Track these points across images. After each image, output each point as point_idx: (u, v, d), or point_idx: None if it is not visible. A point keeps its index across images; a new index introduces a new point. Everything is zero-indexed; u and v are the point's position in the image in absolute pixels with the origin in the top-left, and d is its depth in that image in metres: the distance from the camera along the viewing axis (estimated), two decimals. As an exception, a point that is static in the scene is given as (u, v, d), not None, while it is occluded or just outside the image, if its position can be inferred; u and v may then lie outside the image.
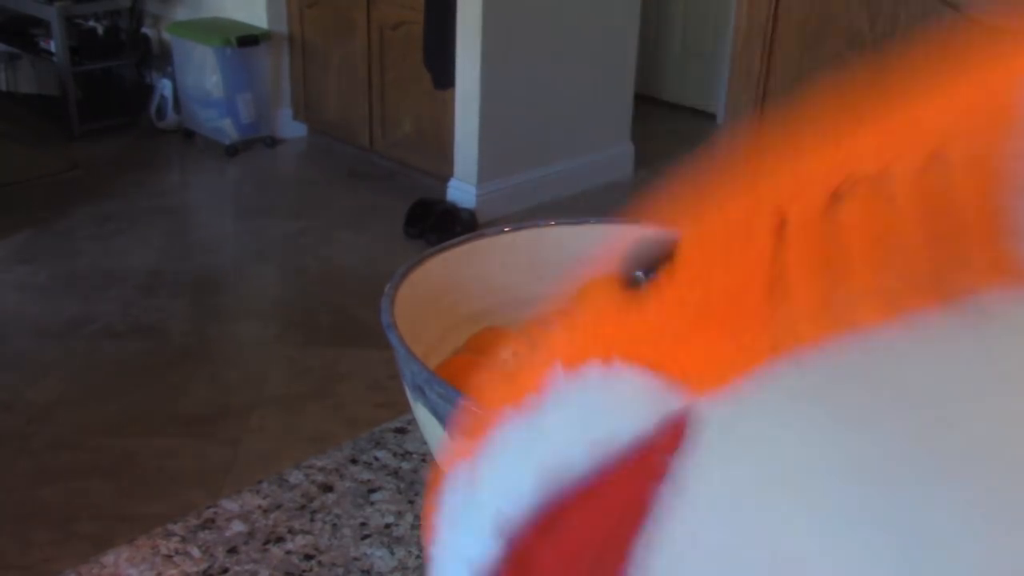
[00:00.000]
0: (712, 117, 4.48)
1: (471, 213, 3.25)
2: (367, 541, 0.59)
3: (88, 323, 2.58)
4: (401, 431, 0.70)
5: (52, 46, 3.86)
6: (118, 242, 3.06)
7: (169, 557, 0.57)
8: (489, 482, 0.25)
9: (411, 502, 0.63)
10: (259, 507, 0.61)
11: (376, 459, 0.66)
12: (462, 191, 3.34)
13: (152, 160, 3.79)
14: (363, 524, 0.60)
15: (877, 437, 0.19)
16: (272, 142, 3.94)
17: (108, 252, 2.99)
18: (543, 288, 0.70)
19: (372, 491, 0.63)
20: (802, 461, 0.20)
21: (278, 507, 0.61)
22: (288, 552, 0.58)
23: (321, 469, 0.65)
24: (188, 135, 3.95)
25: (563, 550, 0.23)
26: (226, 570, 0.56)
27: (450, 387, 0.48)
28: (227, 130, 3.79)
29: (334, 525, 0.60)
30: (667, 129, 4.30)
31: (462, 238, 0.65)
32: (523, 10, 3.15)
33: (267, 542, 0.58)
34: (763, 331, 0.21)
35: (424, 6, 3.19)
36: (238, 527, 0.59)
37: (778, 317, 0.21)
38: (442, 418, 0.50)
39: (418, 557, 0.58)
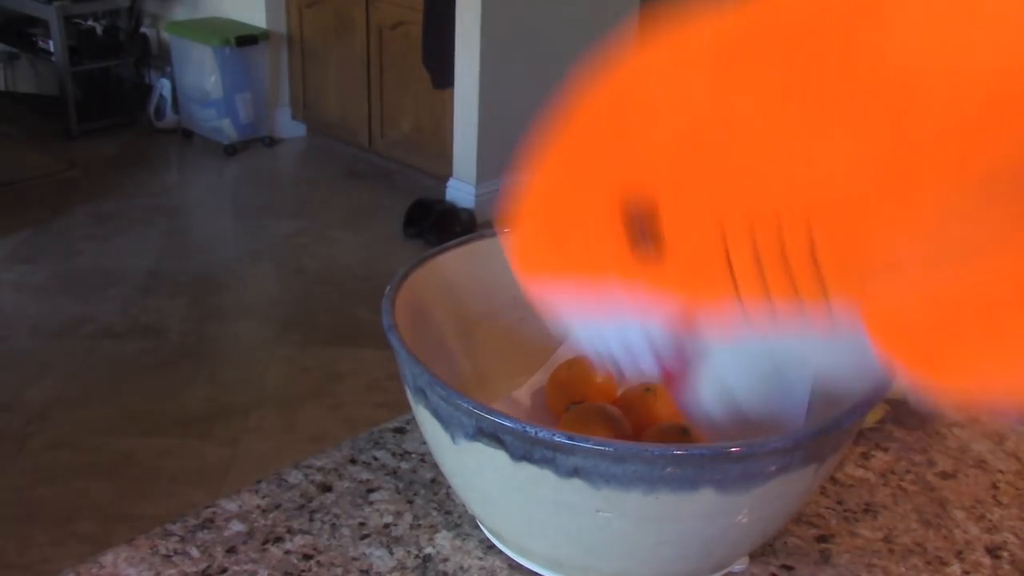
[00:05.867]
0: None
1: (470, 213, 3.24)
2: (366, 541, 0.59)
3: (87, 323, 2.57)
4: (400, 431, 0.70)
5: (51, 46, 3.85)
6: (117, 242, 3.06)
7: (168, 557, 0.57)
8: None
9: (410, 502, 0.63)
10: (258, 507, 0.61)
11: (375, 459, 0.66)
12: (461, 191, 3.33)
13: (151, 160, 3.79)
14: (362, 524, 0.60)
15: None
16: (271, 142, 3.94)
17: (107, 252, 2.99)
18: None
19: (371, 491, 0.63)
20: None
21: (277, 507, 0.61)
22: (287, 552, 0.58)
23: (320, 469, 0.65)
24: (187, 135, 3.94)
25: None
26: (225, 570, 0.56)
27: (451, 389, 0.48)
28: (226, 130, 3.79)
29: (333, 525, 0.60)
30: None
31: (462, 239, 0.65)
32: (522, 9, 3.15)
33: (266, 542, 0.58)
34: None
35: (423, 5, 3.19)
36: (237, 527, 0.59)
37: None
38: (443, 419, 0.50)
39: (417, 557, 0.58)
